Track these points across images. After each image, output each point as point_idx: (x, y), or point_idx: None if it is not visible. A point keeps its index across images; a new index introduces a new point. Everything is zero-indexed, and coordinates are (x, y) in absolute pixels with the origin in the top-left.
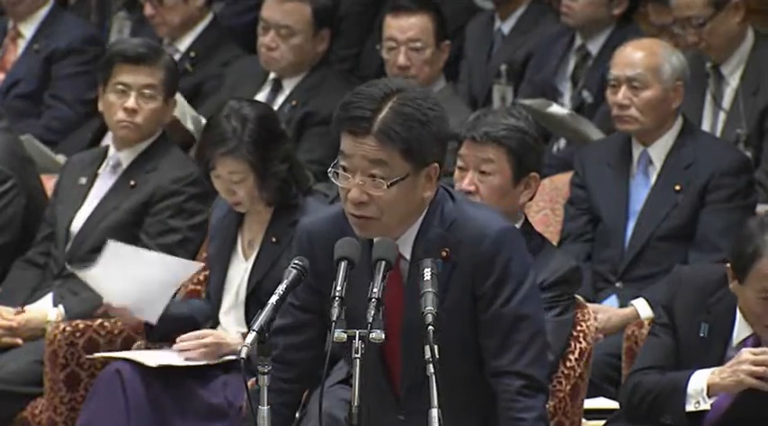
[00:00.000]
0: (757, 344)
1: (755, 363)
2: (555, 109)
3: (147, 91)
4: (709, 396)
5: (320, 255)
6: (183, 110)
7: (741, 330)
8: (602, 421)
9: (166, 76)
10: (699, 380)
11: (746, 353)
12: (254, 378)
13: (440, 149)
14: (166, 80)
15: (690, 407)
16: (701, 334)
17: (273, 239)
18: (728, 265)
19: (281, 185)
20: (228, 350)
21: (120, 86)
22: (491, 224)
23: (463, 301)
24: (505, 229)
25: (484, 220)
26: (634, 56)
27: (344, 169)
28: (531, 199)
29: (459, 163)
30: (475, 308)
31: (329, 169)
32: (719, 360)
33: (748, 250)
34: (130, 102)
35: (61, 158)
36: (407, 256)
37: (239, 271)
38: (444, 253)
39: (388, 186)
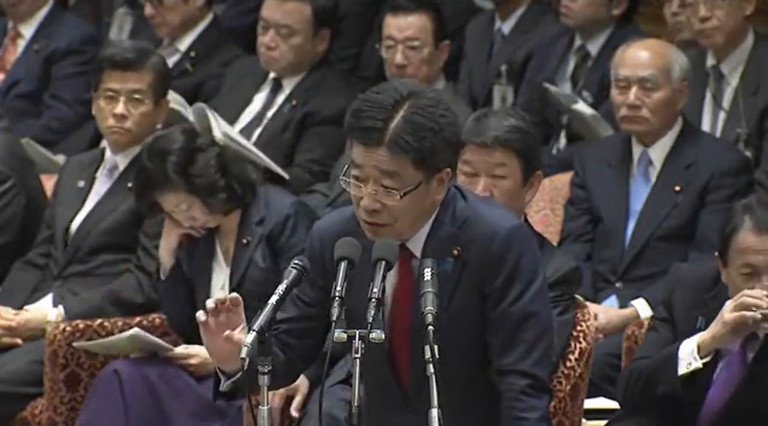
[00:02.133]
0: (751, 337)
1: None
2: (580, 106)
3: (135, 96)
4: (701, 357)
5: (330, 256)
6: (180, 103)
7: None
8: (603, 422)
9: (155, 79)
10: (689, 344)
11: (729, 301)
12: None
13: (452, 154)
14: (155, 83)
15: (682, 369)
16: (698, 327)
17: (244, 241)
18: (717, 254)
19: (227, 194)
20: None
21: (108, 92)
22: (502, 222)
23: (472, 299)
24: (516, 227)
25: (495, 218)
26: (643, 56)
27: (356, 178)
28: (533, 197)
29: (467, 168)
30: (483, 307)
31: (341, 177)
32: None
33: (728, 229)
34: (119, 108)
35: (61, 158)
36: (419, 255)
37: (221, 279)
38: (456, 252)
39: (401, 196)
